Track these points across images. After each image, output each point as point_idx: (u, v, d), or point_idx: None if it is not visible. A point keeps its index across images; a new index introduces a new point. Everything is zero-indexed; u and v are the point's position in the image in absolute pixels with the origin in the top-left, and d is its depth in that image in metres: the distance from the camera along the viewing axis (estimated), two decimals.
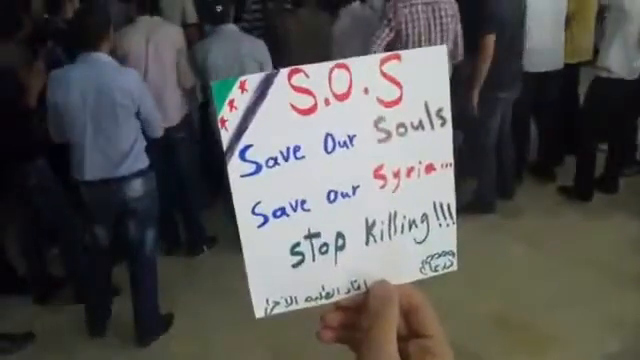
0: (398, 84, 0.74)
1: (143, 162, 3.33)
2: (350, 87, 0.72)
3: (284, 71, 0.73)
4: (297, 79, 0.72)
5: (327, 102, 0.75)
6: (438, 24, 4.01)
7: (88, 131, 3.16)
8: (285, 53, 4.36)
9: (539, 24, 4.51)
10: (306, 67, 0.72)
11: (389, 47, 3.89)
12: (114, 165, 3.23)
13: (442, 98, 0.80)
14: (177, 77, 4.06)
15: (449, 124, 0.87)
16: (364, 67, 0.75)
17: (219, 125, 0.68)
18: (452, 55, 4.16)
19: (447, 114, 0.80)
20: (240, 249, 0.55)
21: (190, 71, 4.08)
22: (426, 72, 0.77)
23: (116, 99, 3.11)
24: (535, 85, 4.72)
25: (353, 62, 0.75)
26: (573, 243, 4.28)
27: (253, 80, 0.71)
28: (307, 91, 0.75)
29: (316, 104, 0.71)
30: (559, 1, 4.63)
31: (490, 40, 4.18)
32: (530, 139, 5.26)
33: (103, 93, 3.10)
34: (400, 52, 0.75)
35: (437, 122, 0.80)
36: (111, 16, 4.34)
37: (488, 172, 4.68)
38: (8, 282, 4.07)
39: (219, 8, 3.92)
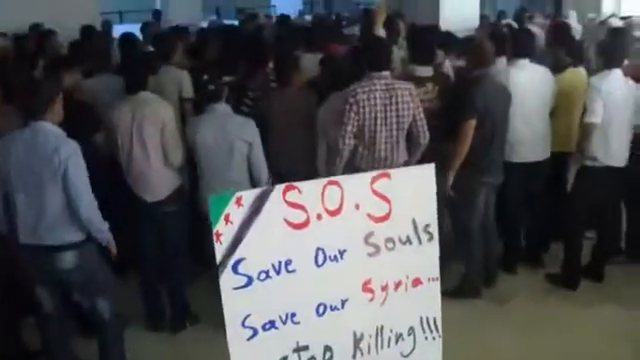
0: (388, 200, 0.75)
1: (75, 234, 3.35)
2: (342, 203, 0.74)
3: (279, 187, 0.76)
4: (291, 195, 0.74)
5: (319, 217, 0.77)
6: (394, 109, 4.11)
7: (20, 196, 3.27)
8: (269, 132, 4.40)
9: (525, 116, 4.65)
10: (300, 184, 0.73)
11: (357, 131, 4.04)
12: (43, 232, 3.29)
13: (429, 214, 0.82)
14: (164, 154, 4.10)
15: (436, 239, 0.90)
16: (356, 184, 0.78)
17: (214, 238, 0.69)
18: (415, 142, 4.24)
19: (434, 230, 0.83)
20: (222, 328, 0.54)
21: (180, 147, 4.12)
22: (414, 190, 0.79)
23: (45, 162, 3.21)
24: (524, 174, 4.80)
25: (345, 179, 0.77)
26: (564, 334, 4.25)
27: (249, 195, 0.74)
28: (300, 206, 0.78)
29: (309, 219, 0.73)
30: (544, 95, 4.78)
31: (469, 126, 4.28)
32: (521, 230, 5.27)
33: (33, 159, 3.23)
34: (390, 170, 0.78)
35: (424, 237, 0.81)
36: (110, 87, 4.47)
37: (474, 256, 4.69)
38: None
39: (211, 87, 4.04)
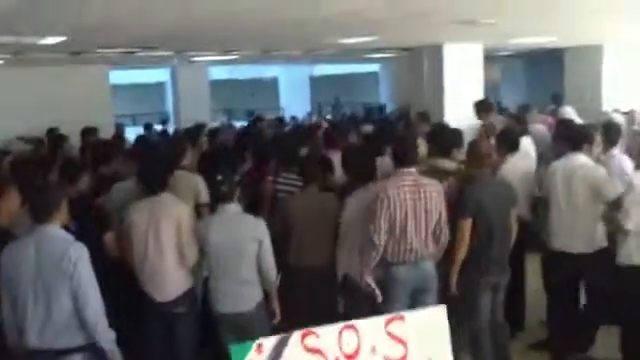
0: (403, 343, 0.75)
1: (84, 338, 3.33)
2: (359, 347, 0.74)
3: (297, 333, 0.77)
4: (309, 340, 0.74)
5: None
6: (422, 205, 4.20)
7: (29, 301, 3.28)
8: (290, 232, 4.56)
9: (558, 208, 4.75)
10: (318, 329, 0.74)
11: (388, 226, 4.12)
12: (52, 336, 3.28)
13: (444, 355, 0.82)
14: (179, 254, 4.15)
15: None
16: (371, 328, 0.78)
17: None
18: (436, 239, 4.31)
19: None
20: None
21: (194, 249, 4.17)
22: (428, 331, 0.79)
23: (55, 266, 3.24)
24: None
25: (360, 323, 0.77)
26: None
27: (269, 342, 0.74)
28: (319, 351, 0.77)
29: None
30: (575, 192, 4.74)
31: (465, 225, 4.33)
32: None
33: (43, 262, 3.27)
34: (403, 313, 0.78)
35: None
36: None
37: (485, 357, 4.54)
38: None
39: (224, 188, 4.13)
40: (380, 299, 4.24)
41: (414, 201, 4.18)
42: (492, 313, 4.61)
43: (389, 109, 15.58)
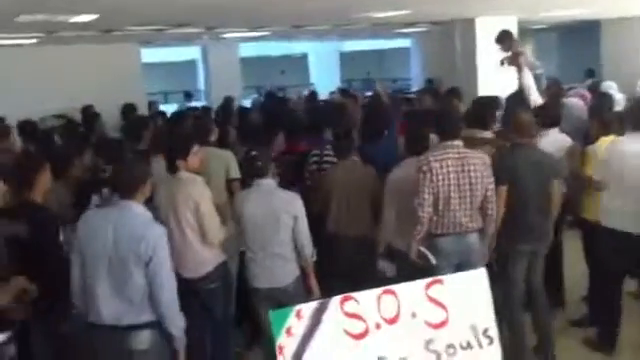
0: (444, 307, 0.74)
1: (152, 314, 3.30)
2: (399, 312, 0.73)
3: (336, 299, 0.76)
4: (349, 305, 0.73)
5: (378, 326, 0.76)
6: (467, 177, 4.17)
7: (101, 276, 3.25)
8: (331, 201, 4.77)
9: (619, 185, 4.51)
10: (357, 294, 0.73)
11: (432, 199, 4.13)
12: (121, 313, 3.26)
13: (487, 318, 0.80)
14: (200, 235, 4.10)
15: (496, 343, 0.88)
16: (410, 292, 0.77)
17: (277, 352, 0.68)
18: (484, 213, 4.27)
19: (494, 334, 0.80)
20: None
21: (217, 226, 4.14)
22: (469, 294, 0.77)
23: (132, 247, 3.21)
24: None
25: (399, 288, 0.76)
26: None
27: (308, 308, 0.73)
28: (359, 317, 0.76)
29: (367, 329, 0.71)
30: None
31: (500, 191, 4.31)
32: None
33: (120, 240, 3.23)
34: (442, 277, 0.77)
35: (484, 341, 0.79)
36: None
37: (516, 330, 4.51)
38: None
39: (258, 163, 4.15)
40: (434, 261, 4.19)
41: (457, 173, 4.14)
42: (529, 280, 4.59)
43: (420, 85, 15.41)
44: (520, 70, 6.69)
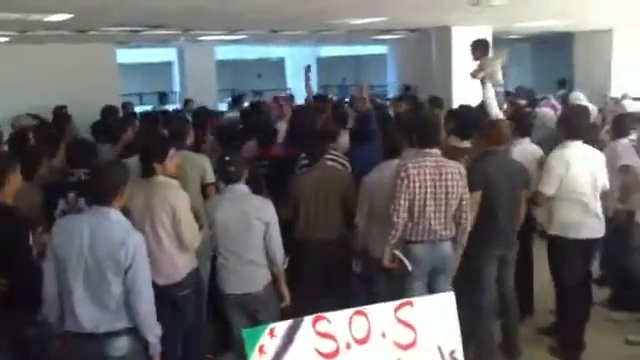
0: (413, 328, 0.75)
1: (130, 321, 3.25)
2: (369, 332, 0.74)
3: (308, 318, 0.76)
4: (321, 325, 0.74)
5: (348, 346, 0.77)
6: (444, 186, 4.19)
7: (77, 284, 3.18)
8: (299, 212, 4.74)
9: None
10: (329, 314, 0.74)
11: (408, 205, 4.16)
12: (98, 321, 3.20)
13: (454, 341, 0.81)
14: (176, 241, 4.05)
15: None
16: (381, 313, 0.78)
17: None
18: (457, 223, 4.30)
19: (459, 356, 0.82)
20: None
21: (194, 231, 4.09)
22: (437, 317, 0.79)
23: (111, 253, 3.15)
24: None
25: (370, 309, 0.77)
26: None
27: (281, 327, 0.73)
28: (330, 336, 0.77)
29: (338, 349, 0.72)
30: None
31: (473, 198, 4.36)
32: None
33: (98, 247, 3.16)
34: (412, 299, 0.78)
35: None
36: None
37: (486, 334, 4.57)
38: None
39: (232, 169, 4.10)
40: (410, 267, 4.23)
41: (434, 181, 4.18)
42: (501, 286, 4.67)
43: (395, 92, 15.51)
44: (482, 83, 6.85)
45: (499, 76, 6.98)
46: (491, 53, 7.25)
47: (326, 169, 4.94)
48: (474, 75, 7.00)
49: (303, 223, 4.79)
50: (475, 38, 7.42)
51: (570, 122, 4.84)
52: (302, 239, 4.79)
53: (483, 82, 6.82)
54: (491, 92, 6.50)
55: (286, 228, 4.45)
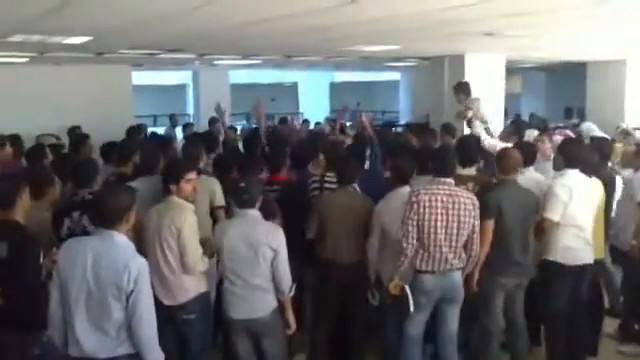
0: None
1: (130, 347, 3.20)
2: None
3: None
4: None
5: None
6: (456, 215, 4.21)
7: (78, 307, 3.15)
8: (324, 227, 4.74)
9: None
10: None
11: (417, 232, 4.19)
12: (98, 346, 3.16)
13: None
14: (185, 263, 4.08)
15: None
16: None
17: None
18: (469, 250, 4.32)
19: None
20: None
21: (198, 255, 4.10)
22: None
23: (113, 278, 3.11)
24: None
25: None
26: None
27: None
28: None
29: None
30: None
31: (486, 226, 4.38)
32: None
33: (100, 271, 3.13)
34: None
35: None
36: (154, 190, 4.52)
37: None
38: None
39: (245, 197, 4.07)
40: (413, 308, 4.26)
41: (447, 210, 4.19)
42: (511, 314, 4.66)
43: (407, 118, 15.57)
44: (469, 123, 6.94)
45: (484, 113, 7.11)
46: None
47: (352, 193, 4.88)
48: (464, 116, 7.13)
49: (330, 243, 4.72)
50: (460, 80, 7.55)
51: (570, 150, 4.85)
52: (327, 260, 4.73)
53: (470, 122, 6.92)
54: (480, 128, 6.56)
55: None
